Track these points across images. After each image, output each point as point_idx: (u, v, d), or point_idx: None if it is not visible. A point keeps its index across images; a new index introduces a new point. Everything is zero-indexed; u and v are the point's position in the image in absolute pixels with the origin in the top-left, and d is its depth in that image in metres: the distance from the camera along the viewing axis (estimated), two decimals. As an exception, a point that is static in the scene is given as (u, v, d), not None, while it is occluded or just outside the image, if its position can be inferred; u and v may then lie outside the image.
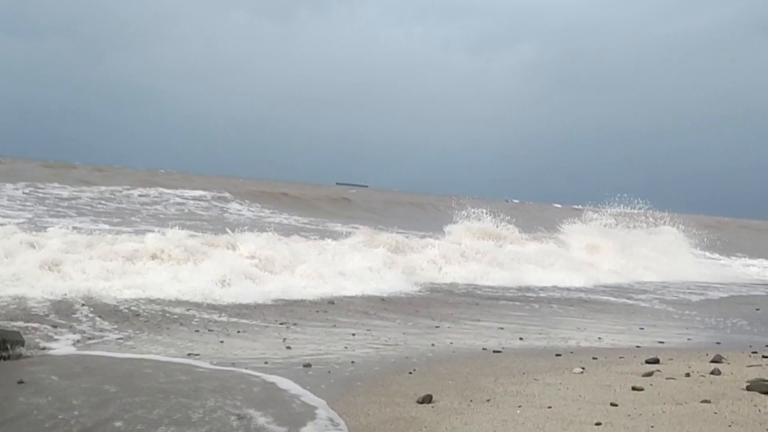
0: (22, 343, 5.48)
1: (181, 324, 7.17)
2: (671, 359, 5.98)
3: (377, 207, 33.10)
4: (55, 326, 6.55)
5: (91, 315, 7.16)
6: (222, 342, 6.47)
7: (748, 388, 4.60)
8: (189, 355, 5.81)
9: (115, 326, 6.80)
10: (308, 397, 4.67)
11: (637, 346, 7.12)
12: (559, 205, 62.45)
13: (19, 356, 5.33)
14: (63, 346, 5.93)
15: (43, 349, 5.74)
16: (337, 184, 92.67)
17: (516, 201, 61.31)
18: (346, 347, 6.48)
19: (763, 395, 4.43)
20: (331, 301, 9.21)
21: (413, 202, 38.32)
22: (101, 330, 6.62)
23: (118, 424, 3.94)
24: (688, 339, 8.00)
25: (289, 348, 6.30)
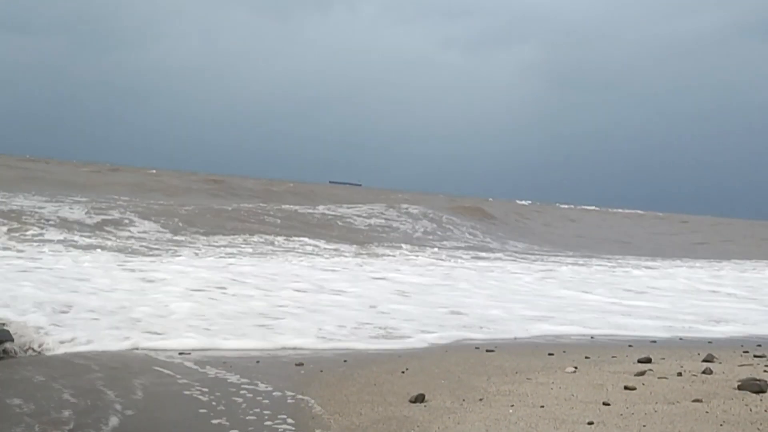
0: (9, 341, 5.43)
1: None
2: (663, 358, 5.99)
3: (507, 216, 33.54)
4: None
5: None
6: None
7: (739, 388, 4.61)
8: (180, 354, 5.78)
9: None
10: (296, 396, 4.66)
11: (630, 345, 7.13)
12: (565, 206, 62.67)
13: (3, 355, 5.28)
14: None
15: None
16: (330, 182, 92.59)
17: (527, 202, 61.31)
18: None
19: (754, 394, 4.44)
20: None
21: (538, 210, 38.84)
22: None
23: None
24: (680, 338, 8.02)
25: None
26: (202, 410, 4.30)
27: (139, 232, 15.86)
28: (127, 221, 16.94)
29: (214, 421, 4.10)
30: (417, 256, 16.40)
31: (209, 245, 14.92)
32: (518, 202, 61.77)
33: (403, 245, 18.68)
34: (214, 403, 4.44)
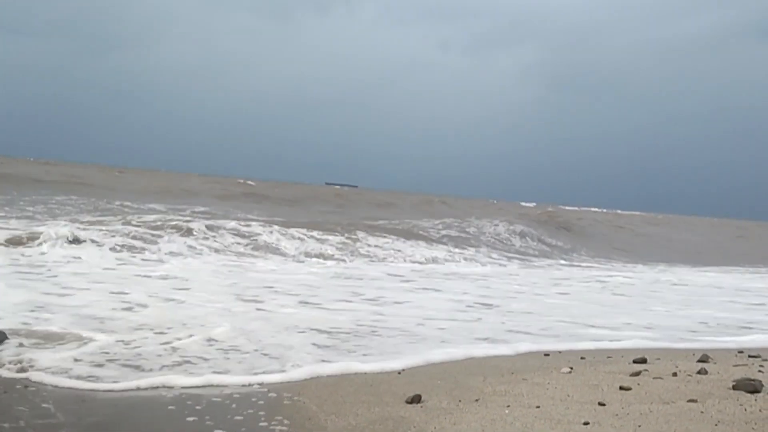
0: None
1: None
2: (658, 359, 6.01)
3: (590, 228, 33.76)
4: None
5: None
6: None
7: (734, 388, 4.63)
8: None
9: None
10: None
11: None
12: (569, 208, 62.86)
13: None
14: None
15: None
16: (326, 183, 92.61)
17: (532, 204, 61.36)
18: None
19: (749, 394, 4.46)
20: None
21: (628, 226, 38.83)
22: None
23: None
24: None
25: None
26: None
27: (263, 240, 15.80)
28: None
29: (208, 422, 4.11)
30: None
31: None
32: (522, 203, 61.86)
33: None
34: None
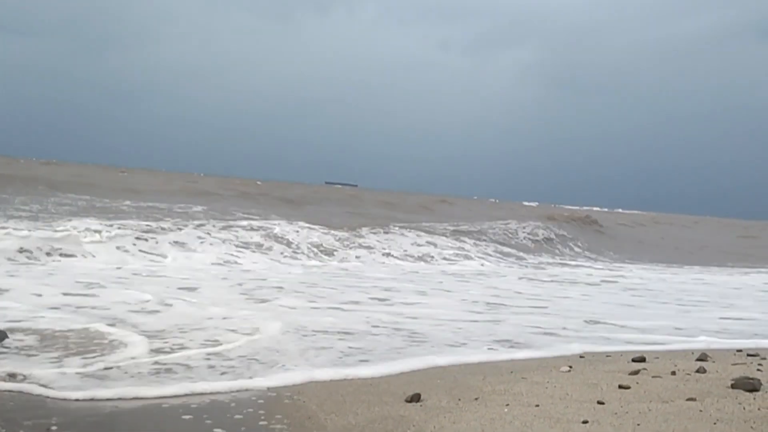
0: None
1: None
2: (657, 358, 6.02)
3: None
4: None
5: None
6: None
7: (732, 386, 4.64)
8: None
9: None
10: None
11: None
12: (570, 207, 63.02)
13: None
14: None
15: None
16: (326, 183, 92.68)
17: (534, 204, 61.45)
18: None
19: (747, 393, 4.47)
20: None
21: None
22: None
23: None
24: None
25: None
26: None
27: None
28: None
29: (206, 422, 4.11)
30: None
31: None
32: (525, 203, 61.93)
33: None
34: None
